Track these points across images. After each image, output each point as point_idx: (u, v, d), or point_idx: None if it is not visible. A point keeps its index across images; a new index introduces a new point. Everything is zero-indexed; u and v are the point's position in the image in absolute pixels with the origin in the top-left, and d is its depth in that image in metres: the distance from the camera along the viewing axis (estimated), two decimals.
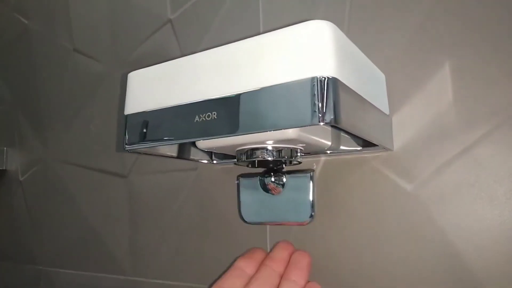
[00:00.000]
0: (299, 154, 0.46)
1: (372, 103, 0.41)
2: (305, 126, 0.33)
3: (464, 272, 0.42)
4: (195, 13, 0.65)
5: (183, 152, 0.54)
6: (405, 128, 0.47)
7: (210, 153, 0.57)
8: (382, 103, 0.45)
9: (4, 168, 0.92)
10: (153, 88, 0.43)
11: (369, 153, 0.48)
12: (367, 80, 0.41)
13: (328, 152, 0.50)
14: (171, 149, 0.52)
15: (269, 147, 0.44)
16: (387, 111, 0.46)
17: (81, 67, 0.81)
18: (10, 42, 0.96)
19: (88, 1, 0.81)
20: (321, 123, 0.32)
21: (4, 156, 0.92)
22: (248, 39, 0.37)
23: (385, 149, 0.46)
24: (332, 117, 0.32)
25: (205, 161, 0.57)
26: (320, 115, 0.31)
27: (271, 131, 0.34)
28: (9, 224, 0.90)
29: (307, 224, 0.49)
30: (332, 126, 0.40)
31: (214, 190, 0.60)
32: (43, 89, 0.88)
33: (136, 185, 0.69)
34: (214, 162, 0.57)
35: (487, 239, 0.42)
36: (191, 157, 0.55)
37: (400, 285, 0.45)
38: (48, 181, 0.84)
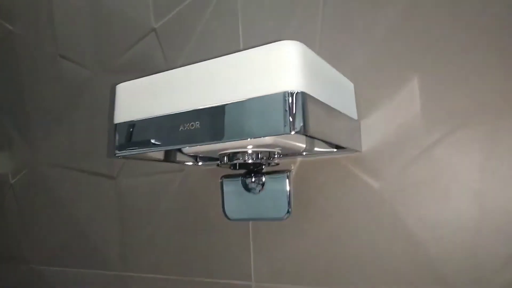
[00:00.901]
0: (276, 156, 0.50)
1: (340, 110, 0.46)
2: (278, 135, 0.37)
3: (425, 259, 0.47)
4: (178, 22, 0.69)
5: (169, 156, 0.57)
6: (372, 132, 0.52)
7: (195, 156, 0.61)
8: (350, 109, 0.50)
9: None
10: (140, 99, 0.47)
11: (340, 155, 0.53)
12: (335, 90, 0.46)
13: (304, 153, 0.54)
14: (158, 154, 0.56)
15: (249, 151, 0.48)
16: (355, 117, 0.51)
17: (67, 73, 0.83)
18: None
19: (71, 8, 0.84)
20: (292, 132, 0.36)
21: None
22: (226, 56, 0.41)
23: (354, 151, 0.51)
24: (301, 125, 0.36)
25: (191, 163, 0.61)
26: (291, 125, 0.36)
27: (247, 139, 0.38)
28: (1, 226, 0.93)
29: (285, 219, 0.53)
30: (302, 134, 0.44)
31: (199, 190, 0.64)
32: (29, 94, 0.90)
33: (124, 186, 0.73)
34: (199, 164, 0.61)
35: (445, 230, 0.47)
36: (177, 159, 0.59)
37: (369, 273, 0.50)
38: (38, 183, 0.86)
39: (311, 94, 0.38)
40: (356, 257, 0.51)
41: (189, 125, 0.42)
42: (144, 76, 0.47)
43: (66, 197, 0.81)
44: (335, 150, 0.53)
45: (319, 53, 0.46)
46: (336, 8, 0.55)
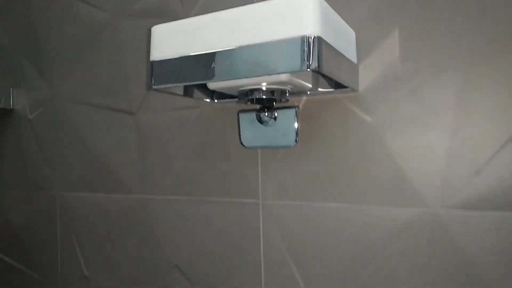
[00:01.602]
0: (287, 94, 0.59)
1: (344, 54, 0.55)
2: (297, 71, 0.46)
3: (404, 180, 0.59)
4: None
5: (190, 92, 0.66)
6: (368, 74, 0.61)
7: (211, 94, 0.70)
8: (352, 54, 0.59)
9: (11, 108, 1.00)
10: (174, 40, 0.54)
11: (340, 94, 0.63)
12: (341, 37, 0.54)
13: (309, 92, 0.64)
14: (180, 90, 0.64)
15: (264, 88, 0.57)
16: (355, 61, 0.60)
17: (84, 15, 0.88)
18: None
19: None
20: (308, 69, 0.45)
21: (11, 96, 1.00)
22: (253, 4, 0.49)
23: (353, 90, 0.60)
24: (316, 65, 0.45)
25: (208, 100, 0.69)
26: (308, 63, 0.45)
27: (271, 75, 0.47)
28: (20, 158, 1.01)
29: (292, 147, 0.64)
30: (316, 71, 0.53)
31: (213, 124, 0.74)
32: (45, 34, 0.95)
33: (143, 121, 0.82)
34: (215, 101, 0.70)
35: (422, 156, 0.58)
36: (196, 96, 0.67)
37: (359, 187, 0.62)
38: (57, 118, 0.94)
39: (325, 38, 0.47)
40: (349, 176, 0.62)
41: (220, 63, 0.50)
42: (161, 22, 0.55)
43: (86, 131, 0.90)
44: (334, 90, 0.62)
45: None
46: None
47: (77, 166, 0.91)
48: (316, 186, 0.65)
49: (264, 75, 0.48)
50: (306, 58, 0.45)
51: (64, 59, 0.92)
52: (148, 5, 0.80)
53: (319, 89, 0.63)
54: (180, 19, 0.55)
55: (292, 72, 0.51)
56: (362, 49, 0.61)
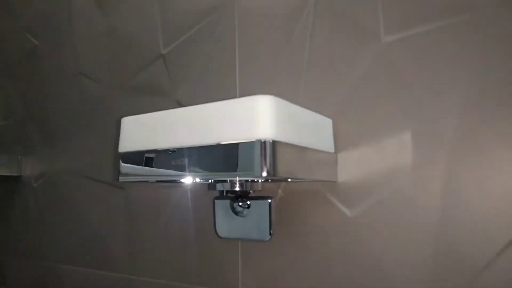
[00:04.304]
0: (260, 183, 0.56)
1: (315, 148, 0.52)
2: (251, 178, 0.43)
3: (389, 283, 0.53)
4: (183, 50, 0.75)
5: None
6: (348, 164, 0.57)
7: None
8: (327, 144, 0.56)
9: (19, 175, 1.04)
10: (141, 132, 0.54)
11: (319, 183, 0.59)
12: (310, 131, 0.52)
13: (289, 180, 0.60)
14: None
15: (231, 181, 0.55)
16: (332, 150, 0.57)
17: (85, 88, 0.91)
18: (22, 59, 1.07)
19: (90, 29, 0.91)
20: (263, 174, 0.42)
21: (20, 164, 1.04)
22: (211, 103, 0.47)
23: (330, 181, 0.57)
24: (270, 170, 0.42)
25: (190, 182, 0.68)
26: (261, 170, 0.42)
27: (225, 179, 0.45)
28: (23, 225, 1.02)
29: (267, 241, 0.60)
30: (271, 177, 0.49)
31: (197, 202, 0.71)
32: (51, 105, 0.99)
33: (132, 196, 0.81)
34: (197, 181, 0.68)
35: (409, 260, 0.53)
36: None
37: None
38: (57, 188, 0.95)
39: (283, 140, 0.44)
40: (329, 275, 0.57)
41: (179, 160, 0.49)
42: (150, 108, 0.55)
43: (81, 202, 0.90)
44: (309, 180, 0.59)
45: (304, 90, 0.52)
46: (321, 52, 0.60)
47: (71, 238, 0.91)
48: (294, 285, 0.60)
49: (216, 178, 0.46)
50: (261, 164, 0.42)
51: (66, 131, 0.95)
52: (141, 82, 0.82)
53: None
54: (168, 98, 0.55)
55: (247, 178, 0.49)
56: (340, 138, 0.58)
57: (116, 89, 0.86)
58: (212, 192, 0.68)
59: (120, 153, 0.55)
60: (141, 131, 0.54)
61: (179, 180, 0.57)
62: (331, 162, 0.57)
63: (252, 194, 0.60)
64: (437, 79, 0.52)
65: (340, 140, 0.58)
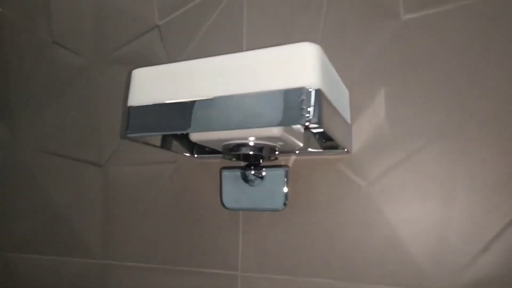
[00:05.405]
0: (276, 152, 0.54)
1: (340, 113, 0.51)
2: (296, 125, 0.41)
3: (405, 254, 0.53)
4: (182, 22, 0.72)
5: (167, 143, 0.60)
6: (361, 136, 0.57)
7: (191, 147, 0.64)
8: (346, 114, 0.55)
9: None
10: (156, 85, 0.49)
11: (331, 155, 0.58)
12: (338, 94, 0.51)
13: (297, 152, 0.59)
14: (157, 140, 0.58)
15: (252, 143, 0.52)
16: (349, 121, 0.56)
17: (59, 60, 0.83)
18: None
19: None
20: (308, 124, 0.40)
21: None
22: (251, 51, 0.45)
23: (345, 151, 0.56)
24: (316, 120, 0.40)
25: (187, 154, 0.63)
26: (307, 118, 0.40)
27: (267, 127, 0.42)
28: None
29: (280, 210, 0.57)
30: (315, 128, 0.47)
31: (191, 182, 0.67)
32: (14, 75, 0.88)
33: (112, 174, 0.74)
34: (195, 156, 0.64)
35: (422, 227, 0.53)
36: (174, 149, 0.61)
37: (351, 266, 0.55)
38: (16, 167, 0.84)
39: (325, 93, 0.43)
40: (340, 248, 0.56)
41: (207, 112, 0.45)
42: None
43: (46, 181, 0.80)
44: (323, 150, 0.58)
45: None
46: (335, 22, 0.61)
47: (31, 223, 0.80)
48: (302, 258, 0.57)
49: (255, 128, 0.43)
50: (307, 112, 0.40)
51: (31, 103, 0.85)
52: (129, 53, 0.76)
53: (309, 149, 0.58)
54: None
55: (289, 126, 0.46)
56: (355, 109, 0.58)
57: (98, 60, 0.79)
58: (206, 167, 0.64)
59: (129, 107, 0.50)
60: (157, 83, 0.49)
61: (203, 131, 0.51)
62: (348, 132, 0.56)
63: (263, 163, 0.57)
64: (453, 58, 0.54)
65: (355, 112, 0.58)
